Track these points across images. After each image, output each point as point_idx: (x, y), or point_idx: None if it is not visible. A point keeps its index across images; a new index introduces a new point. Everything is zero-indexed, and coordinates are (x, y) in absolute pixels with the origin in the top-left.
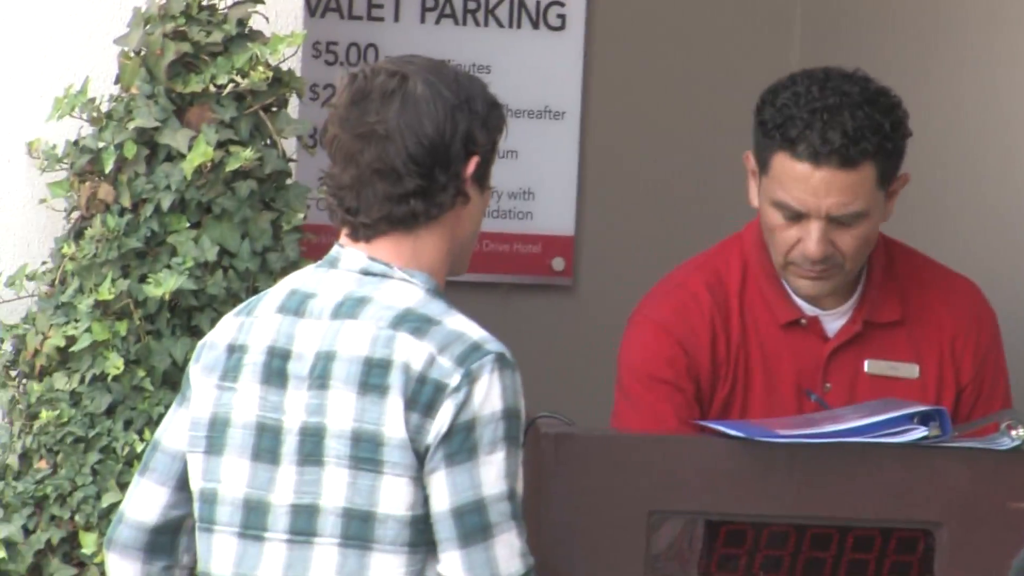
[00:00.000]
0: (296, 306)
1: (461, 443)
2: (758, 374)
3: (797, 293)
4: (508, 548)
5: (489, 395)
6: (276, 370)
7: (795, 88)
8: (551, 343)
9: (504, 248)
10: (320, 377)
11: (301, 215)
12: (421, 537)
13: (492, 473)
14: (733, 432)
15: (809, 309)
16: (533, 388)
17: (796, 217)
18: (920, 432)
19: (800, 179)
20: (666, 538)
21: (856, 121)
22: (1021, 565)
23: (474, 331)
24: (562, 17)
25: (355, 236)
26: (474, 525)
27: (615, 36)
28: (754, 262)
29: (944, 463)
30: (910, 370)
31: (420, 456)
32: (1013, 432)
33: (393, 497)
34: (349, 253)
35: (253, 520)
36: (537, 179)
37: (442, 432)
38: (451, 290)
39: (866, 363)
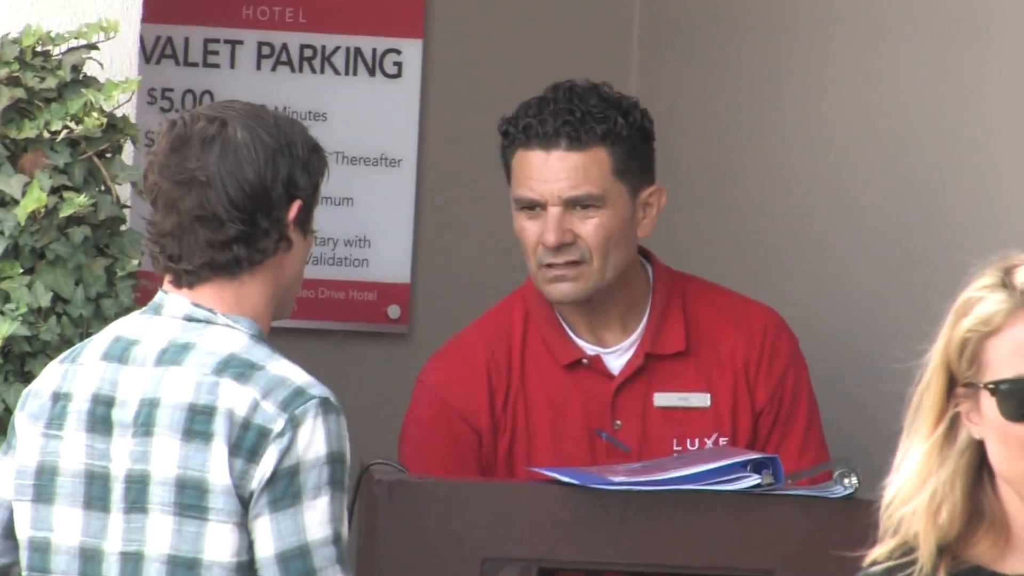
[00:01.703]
0: (120, 353)
1: (285, 488)
2: (544, 419)
3: (551, 299)
4: None
5: (313, 440)
6: (101, 417)
7: (529, 100)
8: (386, 390)
9: (340, 295)
10: (144, 424)
11: (135, 261)
12: None
13: (316, 518)
14: (567, 479)
15: (591, 348)
16: (368, 435)
17: (535, 208)
18: (753, 480)
19: (535, 167)
20: None
21: (585, 108)
22: None
23: (298, 376)
24: (398, 65)
25: (178, 283)
26: (298, 570)
27: (451, 84)
28: (534, 308)
29: (777, 511)
30: (701, 399)
31: (245, 502)
32: (846, 480)
33: (218, 544)
34: (172, 299)
35: (90, 569)
36: (373, 227)
37: (266, 477)
38: (286, 336)
39: (655, 396)
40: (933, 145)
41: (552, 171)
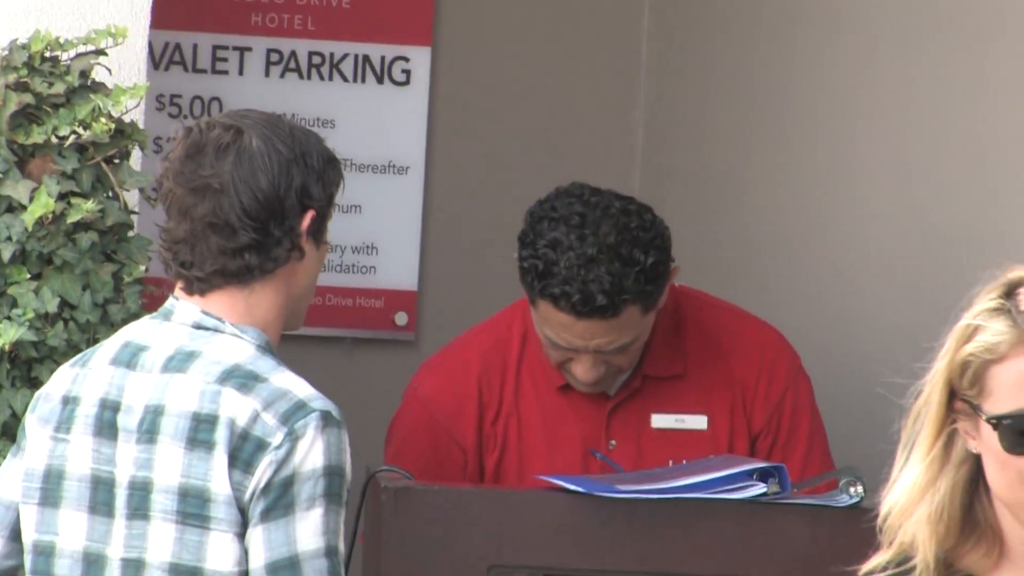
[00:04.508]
0: (129, 358)
1: (277, 499)
2: (538, 438)
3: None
4: None
5: (311, 453)
6: (107, 422)
7: (555, 233)
8: (394, 398)
9: (347, 303)
10: (149, 431)
11: (143, 267)
12: None
13: (308, 530)
14: (573, 487)
15: None
16: (375, 443)
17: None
18: (759, 488)
19: (565, 326)
20: None
21: (614, 276)
22: None
23: (301, 389)
24: (407, 72)
25: (189, 290)
26: None
27: (459, 92)
28: (532, 327)
29: (782, 520)
30: (698, 421)
31: (244, 513)
32: (852, 489)
33: (220, 553)
34: (183, 306)
35: (93, 574)
36: (380, 234)
37: (259, 488)
38: (294, 344)
39: (652, 417)
40: (943, 155)
41: (587, 333)
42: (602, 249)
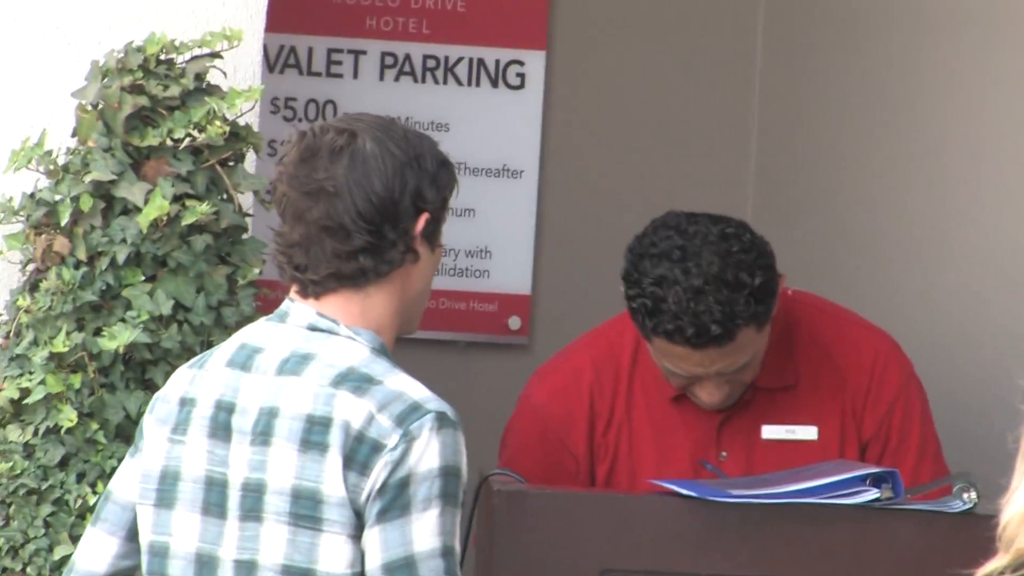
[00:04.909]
0: (244, 360)
1: (393, 500)
2: (649, 448)
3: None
4: None
5: (426, 453)
6: (222, 424)
7: (659, 270)
8: (507, 401)
9: (460, 306)
10: (263, 433)
11: (257, 270)
12: None
13: (425, 530)
14: (685, 491)
15: None
16: (488, 446)
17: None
18: (872, 494)
19: (683, 357)
20: None
21: (723, 304)
22: None
23: (416, 391)
24: (521, 76)
25: (304, 293)
26: None
27: (574, 95)
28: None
29: (896, 525)
30: (808, 432)
31: (359, 514)
32: (965, 495)
33: (333, 555)
34: (298, 308)
35: (206, 575)
36: (494, 237)
37: (375, 489)
38: (408, 348)
39: (763, 429)
40: None
41: (706, 360)
42: (708, 280)
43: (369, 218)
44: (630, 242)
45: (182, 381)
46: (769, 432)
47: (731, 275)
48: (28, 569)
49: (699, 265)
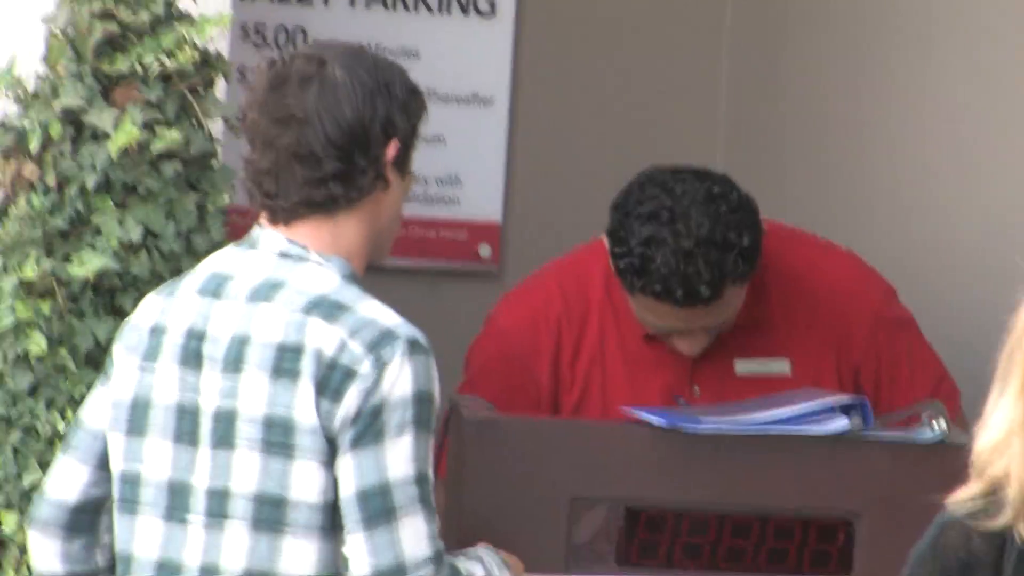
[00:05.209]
0: (215, 288)
1: (367, 427)
2: (622, 384)
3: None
4: (414, 531)
5: (399, 380)
6: (193, 351)
7: (646, 230)
8: (477, 329)
9: (430, 234)
10: (235, 361)
11: (226, 197)
12: (333, 522)
13: (399, 456)
14: (656, 419)
15: None
16: (458, 374)
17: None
18: (842, 422)
19: (667, 314)
20: (588, 528)
21: (713, 265)
22: (918, 554)
23: (387, 317)
24: (492, 3)
25: (274, 220)
26: (378, 508)
27: (545, 23)
28: (615, 275)
29: (865, 454)
30: (781, 365)
31: (331, 442)
32: (934, 424)
33: (305, 482)
34: (268, 235)
35: (177, 502)
36: (464, 165)
37: (349, 417)
38: (377, 275)
39: (736, 363)
40: None
41: (691, 317)
42: (698, 242)
43: (339, 145)
44: (615, 198)
45: (152, 309)
46: (742, 367)
47: (720, 236)
48: None
49: (688, 226)
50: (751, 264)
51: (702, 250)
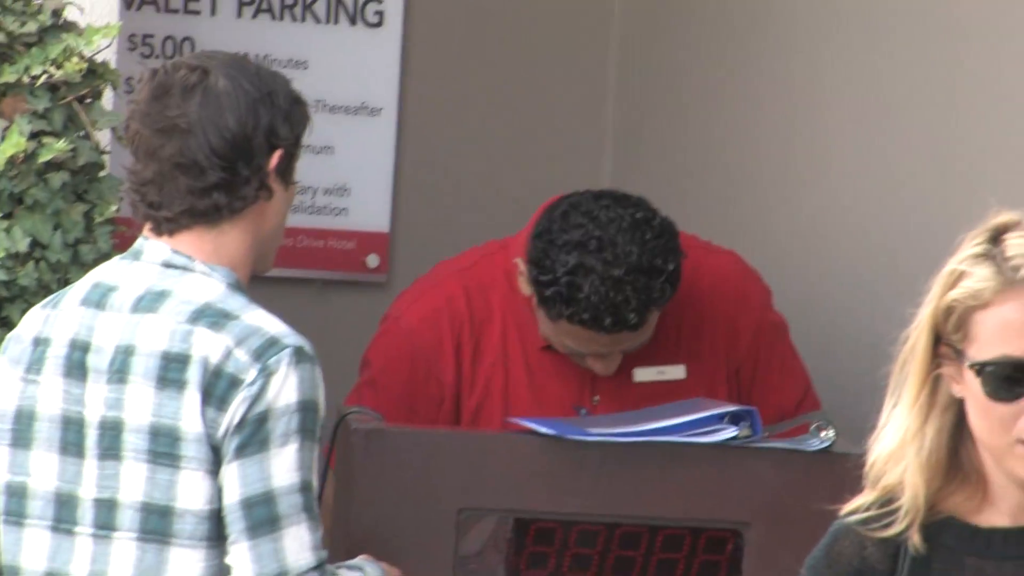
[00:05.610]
0: (98, 299)
1: (252, 435)
2: (524, 392)
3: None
4: (298, 541)
5: (284, 388)
6: (77, 363)
7: (572, 259)
8: (364, 340)
9: (318, 244)
10: (119, 371)
11: (114, 207)
12: (220, 531)
13: (283, 465)
14: (544, 429)
15: None
16: (345, 384)
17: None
18: (730, 432)
19: (590, 339)
20: (476, 540)
21: (641, 292)
22: (813, 562)
23: (273, 326)
24: (380, 13)
25: (158, 231)
26: (262, 517)
27: (433, 33)
28: (515, 287)
29: (754, 463)
30: (677, 371)
31: (216, 450)
32: (823, 433)
33: (191, 492)
34: (152, 246)
35: (64, 514)
36: (352, 175)
37: (233, 425)
38: (265, 285)
39: (635, 371)
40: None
41: (611, 341)
42: (628, 269)
43: (222, 154)
44: (538, 226)
45: (35, 321)
46: (641, 375)
47: (647, 263)
48: None
49: (616, 254)
50: (675, 288)
51: (631, 277)
